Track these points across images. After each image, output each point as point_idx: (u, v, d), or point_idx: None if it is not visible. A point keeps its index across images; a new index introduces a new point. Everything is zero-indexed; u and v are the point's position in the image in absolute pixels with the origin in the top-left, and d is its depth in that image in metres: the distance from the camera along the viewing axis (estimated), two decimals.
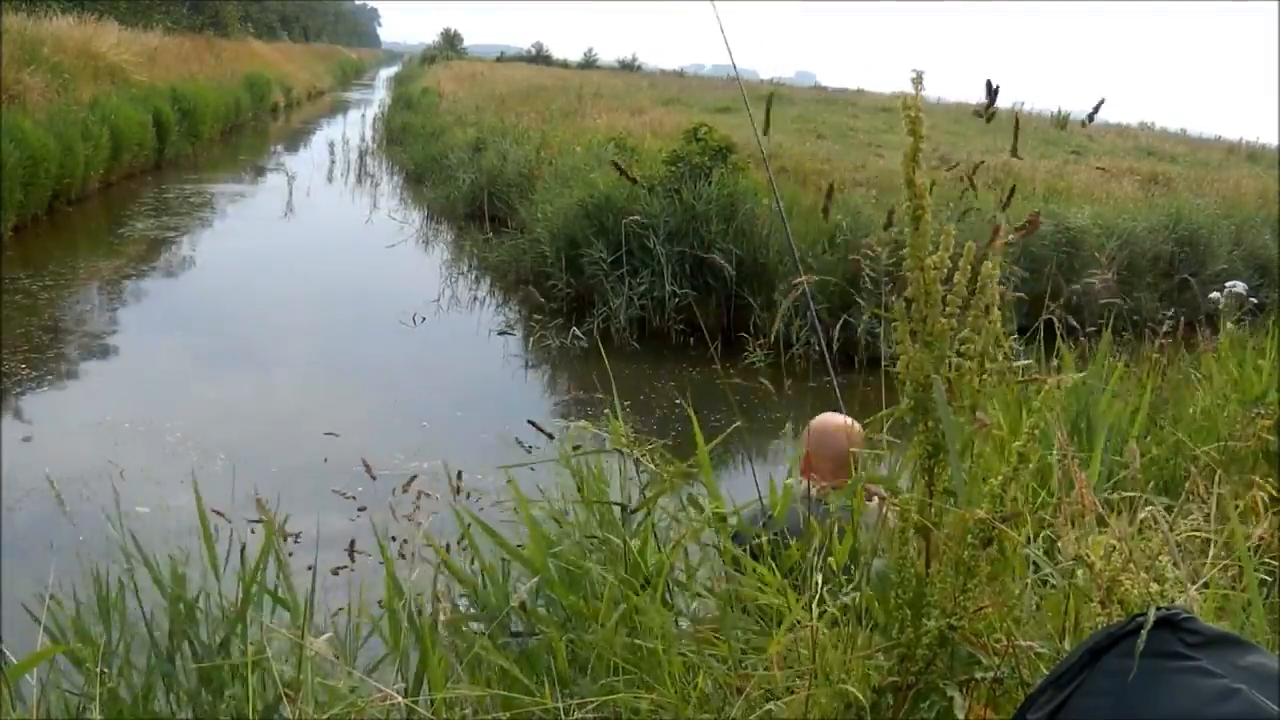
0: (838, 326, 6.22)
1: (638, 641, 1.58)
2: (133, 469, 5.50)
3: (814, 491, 1.81)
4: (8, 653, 1.88)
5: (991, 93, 1.37)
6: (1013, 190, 1.41)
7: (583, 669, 1.66)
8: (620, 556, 1.76)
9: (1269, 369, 2.97)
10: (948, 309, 1.27)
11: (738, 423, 1.94)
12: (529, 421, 2.06)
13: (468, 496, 2.01)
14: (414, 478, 2.10)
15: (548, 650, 1.68)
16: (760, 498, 1.96)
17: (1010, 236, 1.25)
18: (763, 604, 1.59)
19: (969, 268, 1.26)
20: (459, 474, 2.05)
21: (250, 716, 1.69)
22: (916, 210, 1.26)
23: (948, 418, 1.22)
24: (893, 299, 1.29)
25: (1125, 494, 1.67)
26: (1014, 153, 1.77)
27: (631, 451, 1.89)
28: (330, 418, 6.81)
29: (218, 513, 2.05)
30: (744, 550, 1.70)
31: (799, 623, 1.46)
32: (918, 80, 1.21)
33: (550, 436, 2.01)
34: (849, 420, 2.50)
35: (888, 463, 1.68)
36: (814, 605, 1.41)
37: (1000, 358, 1.28)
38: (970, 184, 1.43)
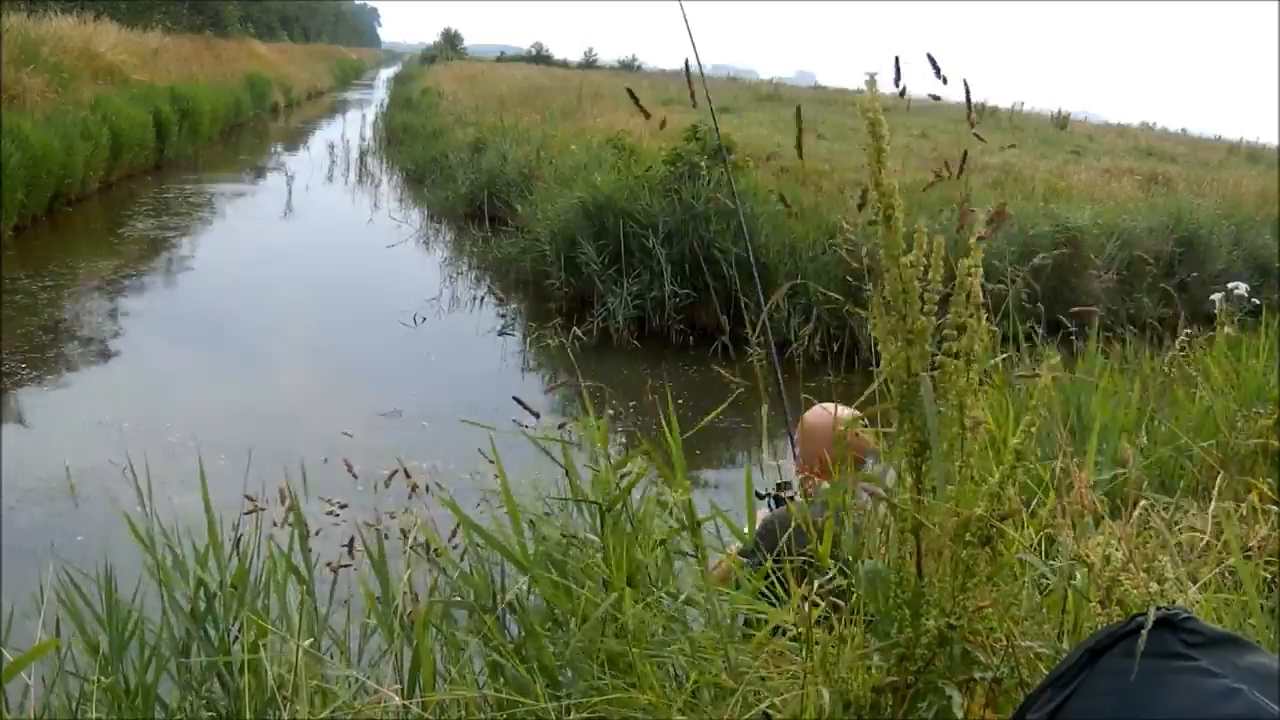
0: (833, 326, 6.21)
1: (627, 648, 1.57)
2: (132, 468, 5.49)
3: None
4: (7, 654, 1.88)
5: (937, 75, 1.37)
6: (964, 157, 1.40)
7: (571, 668, 1.65)
8: (601, 555, 1.75)
9: (1264, 367, 2.96)
10: (926, 306, 1.26)
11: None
12: (514, 398, 2.05)
13: (440, 487, 2.01)
14: (394, 473, 2.09)
15: (536, 650, 1.68)
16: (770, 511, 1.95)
17: (981, 232, 1.25)
18: (751, 612, 1.58)
19: (941, 264, 1.26)
20: (406, 474, 2.05)
21: (247, 717, 1.69)
22: (887, 210, 1.26)
23: (933, 415, 1.22)
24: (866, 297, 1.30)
25: (1124, 493, 1.67)
26: (971, 123, 1.73)
27: (604, 447, 1.88)
28: (331, 417, 6.81)
29: (250, 498, 2.07)
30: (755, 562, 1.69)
31: (788, 626, 1.46)
32: (872, 82, 1.22)
33: (536, 415, 2.00)
34: (844, 410, 2.49)
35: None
36: (805, 604, 1.40)
37: (980, 355, 1.28)
38: (940, 177, 1.42)
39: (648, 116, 1.85)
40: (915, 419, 1.26)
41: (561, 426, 1.96)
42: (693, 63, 2.15)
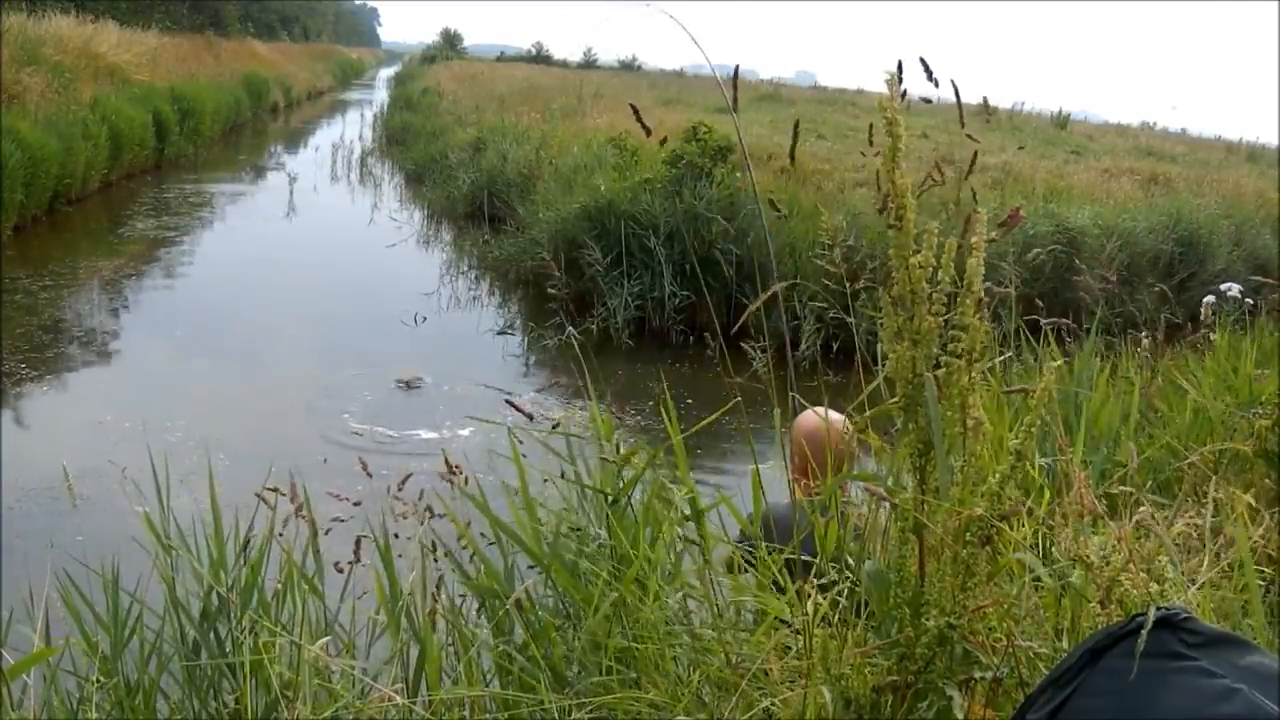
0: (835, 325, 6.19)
1: (632, 645, 1.57)
2: (133, 468, 5.49)
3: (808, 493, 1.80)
4: (6, 654, 1.88)
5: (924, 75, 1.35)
6: (974, 158, 1.39)
7: (579, 664, 1.65)
8: (607, 548, 1.76)
9: (1255, 369, 2.96)
10: (933, 307, 1.27)
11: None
12: (506, 400, 2.05)
13: (467, 481, 2.00)
14: (409, 476, 2.10)
15: (545, 646, 1.68)
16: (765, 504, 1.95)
17: (993, 234, 1.25)
18: (757, 603, 1.58)
19: (951, 264, 1.26)
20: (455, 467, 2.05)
21: (248, 717, 1.69)
22: (899, 210, 1.26)
23: (937, 415, 1.22)
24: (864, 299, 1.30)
25: (1123, 492, 1.67)
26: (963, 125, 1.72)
27: (610, 439, 1.88)
28: (331, 417, 6.81)
29: (272, 490, 2.06)
30: (745, 552, 1.69)
31: (790, 620, 1.46)
32: (893, 80, 1.22)
33: (529, 417, 2.00)
34: (834, 415, 2.47)
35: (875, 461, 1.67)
36: (809, 602, 1.41)
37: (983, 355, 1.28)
38: (938, 179, 1.41)
39: (648, 133, 1.86)
40: (920, 420, 1.26)
41: (555, 427, 1.96)
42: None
